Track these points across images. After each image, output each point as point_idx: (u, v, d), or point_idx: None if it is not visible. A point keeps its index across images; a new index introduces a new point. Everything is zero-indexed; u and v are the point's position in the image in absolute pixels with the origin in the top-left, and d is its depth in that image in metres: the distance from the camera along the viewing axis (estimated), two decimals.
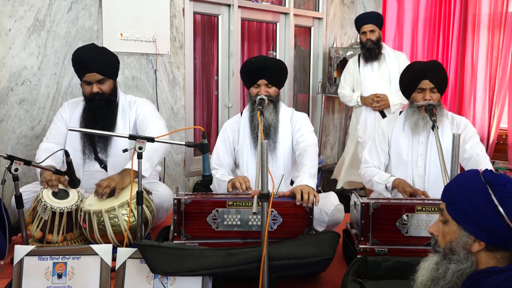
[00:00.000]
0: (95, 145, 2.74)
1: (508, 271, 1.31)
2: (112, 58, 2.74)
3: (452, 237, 1.39)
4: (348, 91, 4.24)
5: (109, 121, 2.73)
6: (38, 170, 2.55)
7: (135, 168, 2.15)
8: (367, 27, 4.07)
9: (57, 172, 2.42)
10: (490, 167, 2.52)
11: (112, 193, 2.41)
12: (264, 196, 1.74)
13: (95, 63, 2.63)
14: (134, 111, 2.81)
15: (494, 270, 1.33)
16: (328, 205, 2.54)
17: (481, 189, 1.36)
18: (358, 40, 4.23)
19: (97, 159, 2.76)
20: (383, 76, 4.11)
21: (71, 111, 2.81)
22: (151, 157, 2.55)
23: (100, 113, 2.71)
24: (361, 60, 4.17)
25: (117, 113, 2.78)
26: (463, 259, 1.37)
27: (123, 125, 2.77)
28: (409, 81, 2.68)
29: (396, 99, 4.00)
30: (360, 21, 4.12)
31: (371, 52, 4.08)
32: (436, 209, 2.17)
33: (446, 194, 1.45)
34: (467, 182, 1.40)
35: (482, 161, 2.55)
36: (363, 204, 2.17)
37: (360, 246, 2.16)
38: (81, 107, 2.78)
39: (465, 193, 1.38)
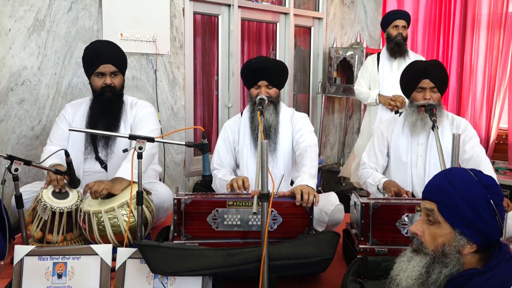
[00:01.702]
0: (96, 145, 2.75)
1: (488, 272, 1.30)
2: (123, 54, 2.79)
3: (444, 240, 1.35)
4: (365, 89, 4.19)
5: (115, 118, 2.75)
6: (45, 171, 2.56)
7: (135, 168, 2.15)
8: (401, 22, 4.04)
9: (57, 172, 2.43)
10: (490, 168, 2.51)
11: (109, 195, 2.42)
12: (264, 196, 1.74)
13: (110, 55, 2.68)
14: (134, 112, 2.83)
15: (474, 272, 1.31)
16: (328, 205, 2.54)
17: (481, 193, 1.33)
18: (385, 36, 4.15)
19: (98, 159, 2.76)
20: None
21: (74, 112, 2.82)
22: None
23: (109, 107, 2.72)
24: (382, 58, 4.13)
25: (122, 112, 2.80)
26: (456, 263, 1.34)
27: (124, 126, 2.77)
28: (410, 80, 2.68)
29: None
30: (394, 16, 4.09)
31: (400, 46, 4.03)
32: None
33: (438, 194, 1.37)
34: (465, 185, 1.35)
35: (482, 162, 2.54)
36: (363, 204, 2.17)
37: (360, 246, 2.16)
38: (84, 107, 2.79)
39: (464, 196, 1.33)
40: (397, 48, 4.04)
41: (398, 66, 4.08)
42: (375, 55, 4.23)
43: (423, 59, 4.18)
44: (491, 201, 1.32)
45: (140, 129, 2.69)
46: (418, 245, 1.40)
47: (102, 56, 2.67)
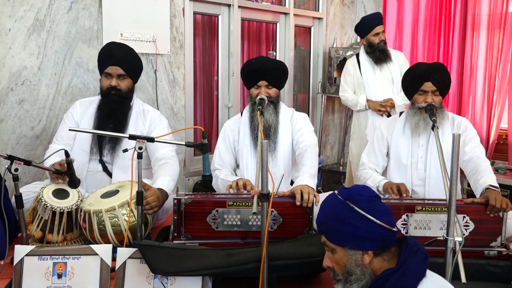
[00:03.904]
0: (102, 147, 2.76)
1: (400, 269, 1.39)
2: (137, 59, 2.80)
3: (344, 261, 1.47)
4: (352, 95, 4.15)
5: (122, 121, 2.76)
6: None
7: (135, 168, 2.15)
8: (381, 28, 4.00)
9: (57, 172, 2.43)
10: (489, 169, 2.49)
11: (114, 192, 2.44)
12: (264, 196, 1.74)
13: (120, 58, 2.71)
14: (148, 123, 2.85)
15: (388, 273, 1.41)
16: None
17: (343, 207, 1.47)
18: (364, 42, 4.10)
19: (101, 161, 2.77)
20: (385, 77, 4.06)
21: (83, 111, 2.83)
22: (175, 176, 2.65)
23: (114, 109, 2.74)
24: (363, 62, 4.08)
25: (129, 116, 2.81)
26: (360, 275, 1.45)
27: (134, 131, 2.77)
28: (412, 82, 2.66)
29: (400, 100, 3.96)
30: (373, 22, 4.01)
31: (385, 53, 4.01)
32: (437, 209, 2.17)
33: (320, 226, 1.54)
34: (330, 207, 1.51)
35: (482, 164, 2.52)
36: None
37: None
38: (94, 107, 2.80)
39: (333, 217, 1.48)
40: (383, 56, 4.01)
41: (381, 68, 4.06)
42: (354, 59, 4.17)
43: (401, 54, 4.22)
44: (355, 208, 1.45)
45: (159, 149, 2.73)
46: (333, 275, 1.54)
47: (112, 58, 2.70)
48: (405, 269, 1.39)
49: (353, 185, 1.57)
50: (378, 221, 1.43)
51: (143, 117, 2.85)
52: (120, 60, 2.70)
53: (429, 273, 1.42)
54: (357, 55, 4.18)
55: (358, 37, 5.25)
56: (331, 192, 1.63)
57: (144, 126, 2.83)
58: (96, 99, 2.86)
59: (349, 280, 1.46)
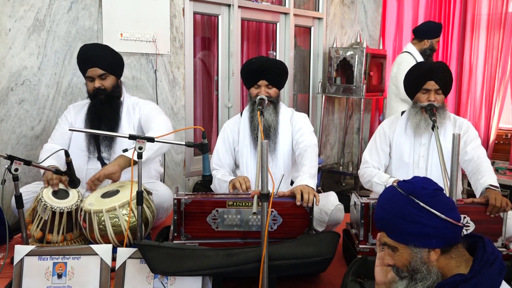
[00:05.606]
0: (99, 145, 2.76)
1: (474, 278, 1.30)
2: (114, 55, 2.80)
3: (408, 258, 1.38)
4: None
5: (113, 120, 2.77)
6: (42, 169, 2.57)
7: (135, 169, 2.15)
8: None
9: (57, 172, 2.44)
10: (490, 169, 2.50)
11: (114, 192, 2.44)
12: (264, 196, 1.74)
13: (97, 58, 2.70)
14: (137, 112, 2.86)
15: (459, 280, 1.31)
16: (328, 205, 2.54)
17: (406, 203, 1.37)
18: (426, 44, 4.25)
19: (100, 158, 2.77)
20: None
21: (76, 114, 2.86)
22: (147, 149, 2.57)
23: (103, 109, 2.75)
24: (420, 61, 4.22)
25: (121, 112, 2.83)
26: (426, 274, 1.36)
27: (127, 126, 2.79)
28: (415, 81, 2.67)
29: None
30: (440, 32, 4.30)
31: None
32: None
33: (380, 223, 1.44)
34: (390, 203, 1.41)
35: (483, 163, 2.52)
36: (363, 204, 2.17)
37: (360, 246, 2.16)
38: (85, 111, 2.81)
39: (395, 213, 1.38)
40: (432, 60, 4.26)
41: None
42: (410, 56, 4.23)
43: None
44: (421, 204, 1.35)
45: (152, 122, 2.72)
46: (397, 272, 1.44)
47: (89, 61, 2.71)
48: (479, 280, 1.28)
49: (413, 177, 1.45)
50: (445, 217, 1.33)
51: (133, 109, 2.87)
52: (96, 60, 2.70)
53: (504, 286, 1.31)
54: (409, 53, 4.28)
55: (358, 37, 5.26)
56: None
57: (136, 118, 2.85)
58: (86, 103, 2.87)
59: (414, 278, 1.37)
